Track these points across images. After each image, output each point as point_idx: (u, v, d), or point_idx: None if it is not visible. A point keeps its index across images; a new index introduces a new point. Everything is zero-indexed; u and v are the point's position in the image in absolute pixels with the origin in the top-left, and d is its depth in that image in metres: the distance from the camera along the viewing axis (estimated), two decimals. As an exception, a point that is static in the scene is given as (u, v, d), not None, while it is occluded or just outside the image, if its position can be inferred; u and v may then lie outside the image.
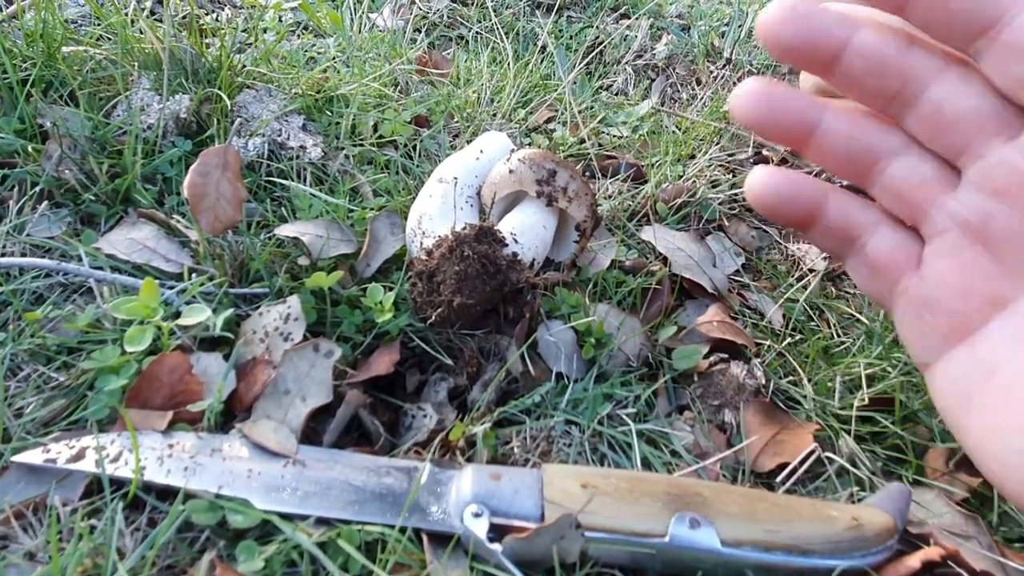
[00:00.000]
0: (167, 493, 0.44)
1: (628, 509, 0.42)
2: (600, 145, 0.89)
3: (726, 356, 0.59)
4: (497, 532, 0.42)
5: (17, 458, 0.44)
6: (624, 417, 0.53)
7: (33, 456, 0.44)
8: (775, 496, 0.45)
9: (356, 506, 0.43)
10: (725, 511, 0.42)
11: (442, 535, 0.42)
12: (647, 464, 0.50)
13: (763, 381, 0.57)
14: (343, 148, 0.73)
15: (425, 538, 0.42)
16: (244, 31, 0.86)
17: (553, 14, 1.35)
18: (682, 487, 0.44)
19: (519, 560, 0.41)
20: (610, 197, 0.79)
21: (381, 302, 0.54)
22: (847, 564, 0.42)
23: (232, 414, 0.49)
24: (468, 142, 0.79)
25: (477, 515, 0.42)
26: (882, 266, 0.33)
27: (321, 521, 0.42)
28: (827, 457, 0.52)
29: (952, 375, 0.31)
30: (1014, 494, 0.31)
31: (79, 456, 0.44)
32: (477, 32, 1.18)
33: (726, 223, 0.82)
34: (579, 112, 0.91)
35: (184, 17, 0.82)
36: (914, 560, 0.43)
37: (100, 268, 0.56)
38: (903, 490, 0.47)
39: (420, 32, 1.13)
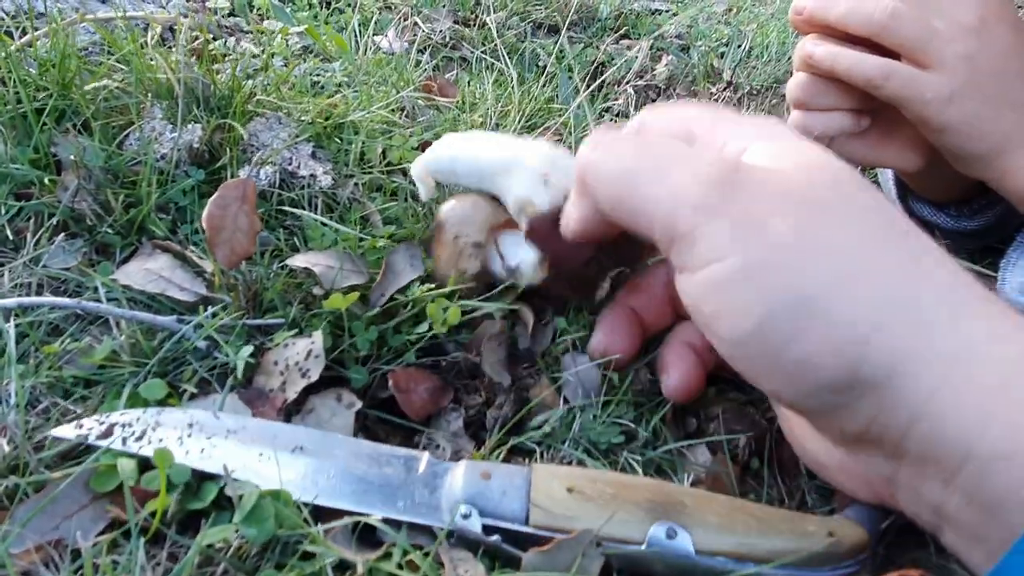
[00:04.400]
0: (186, 526, 0.45)
1: (609, 515, 0.44)
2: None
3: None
4: (488, 530, 0.44)
5: (54, 432, 0.47)
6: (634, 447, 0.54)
7: (67, 431, 0.47)
8: (756, 507, 0.47)
9: (356, 495, 0.46)
10: (704, 521, 0.44)
11: (432, 529, 0.45)
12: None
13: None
14: (352, 176, 0.74)
15: (443, 553, 0.43)
16: (254, 57, 0.87)
17: (555, 36, 1.37)
18: (666, 494, 0.46)
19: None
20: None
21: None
22: None
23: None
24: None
25: (466, 516, 0.44)
26: None
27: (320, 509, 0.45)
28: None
29: None
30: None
31: (108, 432, 0.47)
32: (480, 54, 1.20)
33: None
34: (584, 137, 0.92)
35: (195, 44, 0.83)
36: None
37: (116, 300, 0.56)
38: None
39: (424, 53, 1.14)
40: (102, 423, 0.47)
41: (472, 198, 0.60)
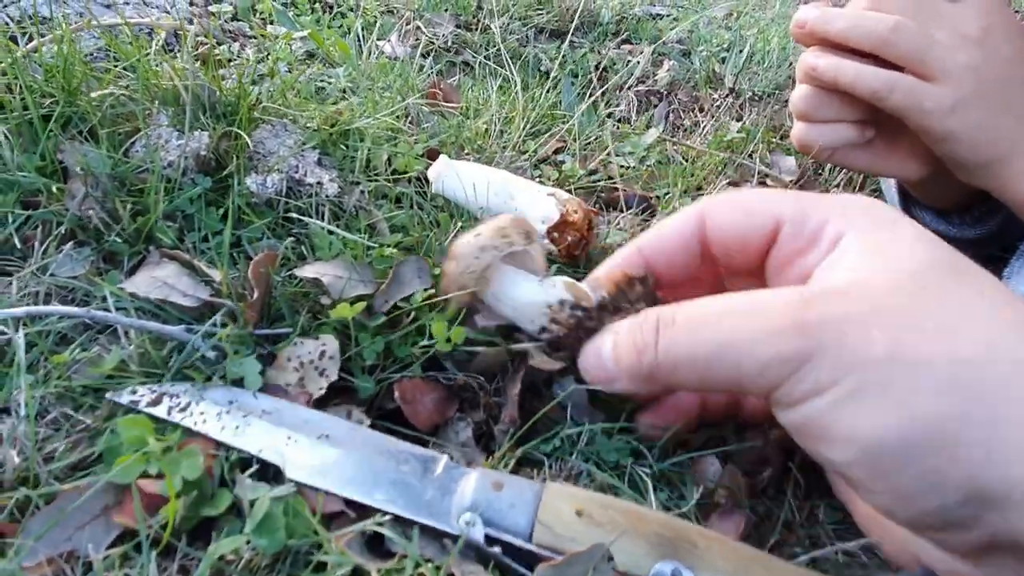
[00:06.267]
0: (196, 535, 0.45)
1: (615, 545, 0.43)
2: (609, 177, 0.90)
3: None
4: (491, 540, 0.44)
5: (110, 395, 0.50)
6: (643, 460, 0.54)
7: (121, 396, 0.50)
8: (774, 561, 0.45)
9: (369, 489, 0.47)
10: (713, 565, 0.42)
11: (441, 534, 0.46)
12: (667, 509, 0.51)
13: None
14: (358, 183, 0.74)
15: (454, 567, 0.43)
16: (259, 62, 0.87)
17: (557, 40, 1.37)
18: (677, 531, 0.44)
19: None
20: (622, 229, 0.80)
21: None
22: None
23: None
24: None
25: (469, 524, 0.44)
26: None
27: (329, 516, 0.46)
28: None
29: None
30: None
31: (157, 401, 0.50)
32: (483, 59, 1.20)
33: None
34: (588, 144, 0.92)
35: (200, 50, 0.83)
36: None
37: (124, 309, 0.56)
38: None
39: (427, 58, 1.14)
40: (153, 392, 0.50)
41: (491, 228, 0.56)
